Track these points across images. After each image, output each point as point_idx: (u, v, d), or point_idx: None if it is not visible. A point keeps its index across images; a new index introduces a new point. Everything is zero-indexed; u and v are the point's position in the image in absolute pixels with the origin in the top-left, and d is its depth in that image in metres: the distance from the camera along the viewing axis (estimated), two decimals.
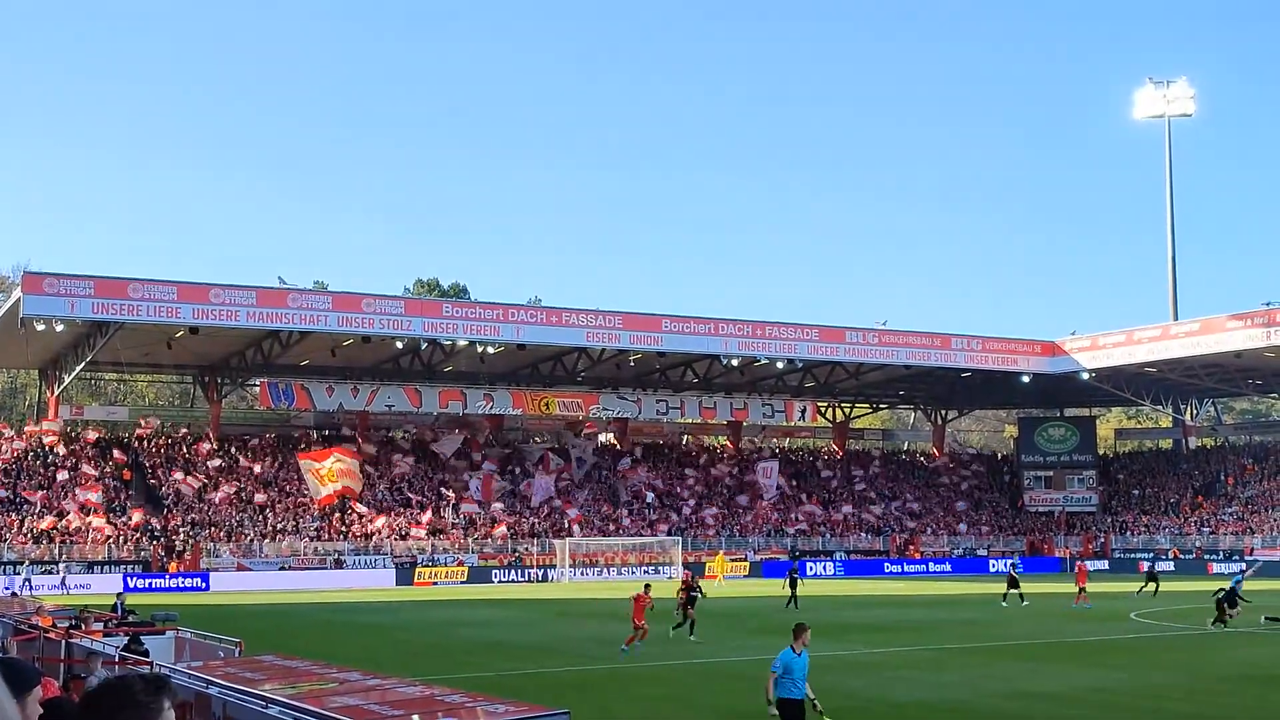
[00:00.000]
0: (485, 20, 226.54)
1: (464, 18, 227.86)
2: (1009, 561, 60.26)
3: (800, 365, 78.05)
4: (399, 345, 69.94)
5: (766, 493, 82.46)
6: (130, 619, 27.07)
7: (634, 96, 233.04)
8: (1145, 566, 60.97)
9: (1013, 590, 47.08)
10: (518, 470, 79.38)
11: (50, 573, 59.02)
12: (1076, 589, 46.89)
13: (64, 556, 61.45)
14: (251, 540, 66.07)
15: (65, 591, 54.00)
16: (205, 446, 73.09)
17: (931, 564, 77.99)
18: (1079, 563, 56.15)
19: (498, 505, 74.74)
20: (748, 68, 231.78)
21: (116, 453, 70.58)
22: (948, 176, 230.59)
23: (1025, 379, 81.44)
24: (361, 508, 70.65)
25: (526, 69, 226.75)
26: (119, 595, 32.25)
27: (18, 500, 64.60)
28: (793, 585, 45.86)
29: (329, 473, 69.02)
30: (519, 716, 11.09)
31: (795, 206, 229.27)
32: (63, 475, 66.97)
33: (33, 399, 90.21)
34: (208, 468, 71.13)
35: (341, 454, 70.79)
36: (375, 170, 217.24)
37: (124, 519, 64.79)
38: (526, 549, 71.21)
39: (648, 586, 33.87)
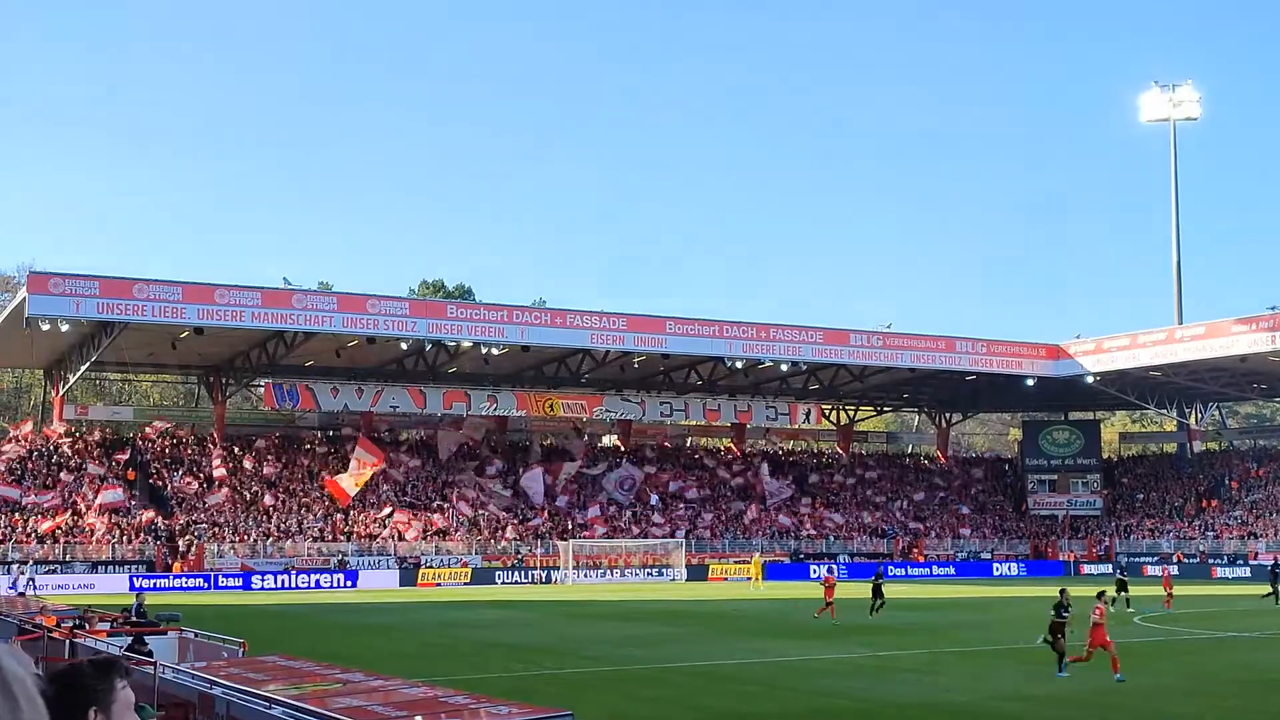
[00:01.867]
0: (490, 20, 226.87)
1: (469, 17, 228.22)
2: (1117, 567, 56.39)
3: (804, 368, 78.03)
4: (404, 346, 69.99)
5: (768, 497, 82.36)
6: (142, 620, 27.02)
7: (640, 98, 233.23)
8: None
9: (1121, 594, 45.78)
10: (521, 471, 79.38)
11: (53, 572, 59.11)
12: (1166, 593, 45.88)
13: (23, 558, 61.59)
14: (255, 541, 66.15)
15: (36, 592, 52.41)
16: (210, 447, 73.21)
17: (935, 567, 77.94)
18: (1165, 566, 54.50)
19: (501, 508, 74.87)
20: (753, 71, 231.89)
21: (121, 453, 70.71)
22: (952, 179, 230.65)
23: (1030, 382, 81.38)
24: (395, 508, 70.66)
25: (531, 69, 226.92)
26: (138, 595, 32.09)
27: (21, 500, 64.68)
28: (877, 591, 42.79)
29: (358, 479, 69.62)
30: (523, 717, 11.12)
31: (800, 209, 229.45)
32: (67, 475, 67.09)
33: (37, 399, 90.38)
34: (212, 468, 71.23)
35: (364, 455, 70.93)
36: (380, 171, 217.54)
37: (128, 519, 64.89)
38: (530, 550, 71.27)
39: (1101, 594, 27.06)
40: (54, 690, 3.83)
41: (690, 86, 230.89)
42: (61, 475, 67.08)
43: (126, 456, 70.62)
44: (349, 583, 63.98)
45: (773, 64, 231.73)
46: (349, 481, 69.50)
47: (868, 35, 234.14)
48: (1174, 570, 55.82)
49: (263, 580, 62.80)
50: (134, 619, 26.14)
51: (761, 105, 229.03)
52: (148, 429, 75.11)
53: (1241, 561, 73.81)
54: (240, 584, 62.04)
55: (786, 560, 75.06)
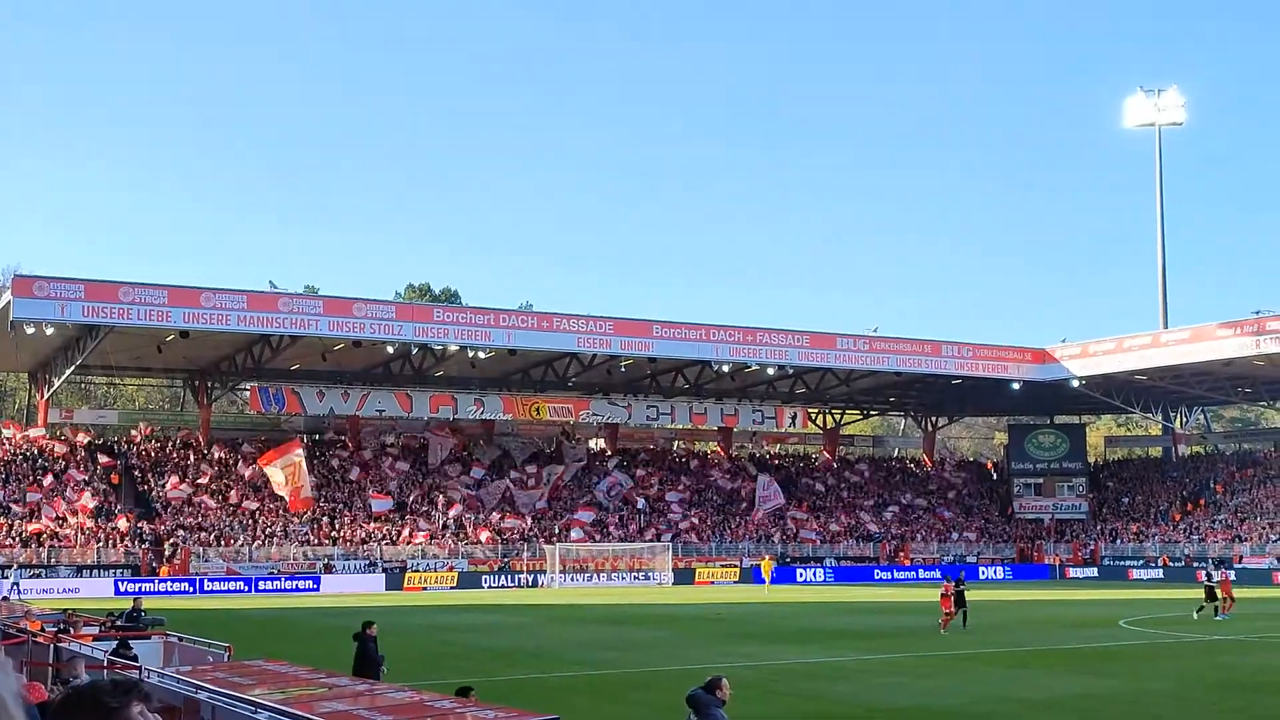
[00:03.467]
0: (475, 25, 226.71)
1: (454, 22, 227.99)
2: (1209, 571, 51.84)
3: (791, 371, 78.03)
4: (390, 350, 69.84)
5: (764, 503, 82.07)
6: (133, 624, 26.87)
7: (625, 103, 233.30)
8: None
9: (1210, 602, 43.97)
10: (508, 475, 79.22)
11: (38, 576, 58.85)
12: (1223, 597, 44.46)
13: (53, 560, 61.37)
14: (241, 545, 65.92)
15: (20, 596, 51.99)
16: (195, 451, 72.94)
17: (921, 571, 77.92)
18: (1224, 571, 52.58)
19: (488, 512, 74.76)
20: (740, 75, 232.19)
21: (105, 457, 70.44)
22: (939, 184, 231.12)
23: (1015, 386, 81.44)
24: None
25: (517, 73, 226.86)
26: (136, 599, 31.91)
27: (5, 504, 64.40)
28: (960, 599, 39.33)
29: (289, 475, 68.00)
30: None
31: (787, 212, 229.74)
32: (51, 479, 66.81)
33: (22, 402, 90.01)
34: (197, 472, 70.98)
35: (283, 452, 68.98)
36: (367, 174, 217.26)
37: (112, 523, 64.62)
38: (516, 554, 71.09)
39: None
40: (67, 706, 3.79)
41: (676, 91, 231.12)
42: (45, 479, 66.78)
43: (111, 460, 70.33)
44: (334, 587, 63.73)
45: (758, 68, 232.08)
46: (289, 486, 68.16)
47: (854, 40, 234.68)
48: (1232, 575, 53.60)
49: (248, 584, 62.61)
50: (126, 623, 26.03)
51: (748, 109, 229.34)
52: (133, 432, 74.86)
53: (1226, 565, 73.94)
54: (225, 588, 61.83)
55: (774, 564, 74.95)
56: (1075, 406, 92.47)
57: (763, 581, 66.39)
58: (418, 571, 67.24)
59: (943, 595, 39.32)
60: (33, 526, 62.62)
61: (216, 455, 73.37)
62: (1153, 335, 78.15)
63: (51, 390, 73.46)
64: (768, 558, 70.54)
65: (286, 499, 68.09)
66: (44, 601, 45.30)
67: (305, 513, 69.25)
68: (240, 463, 73.26)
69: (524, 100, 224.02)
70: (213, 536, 65.87)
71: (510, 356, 70.81)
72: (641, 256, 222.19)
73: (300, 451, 68.61)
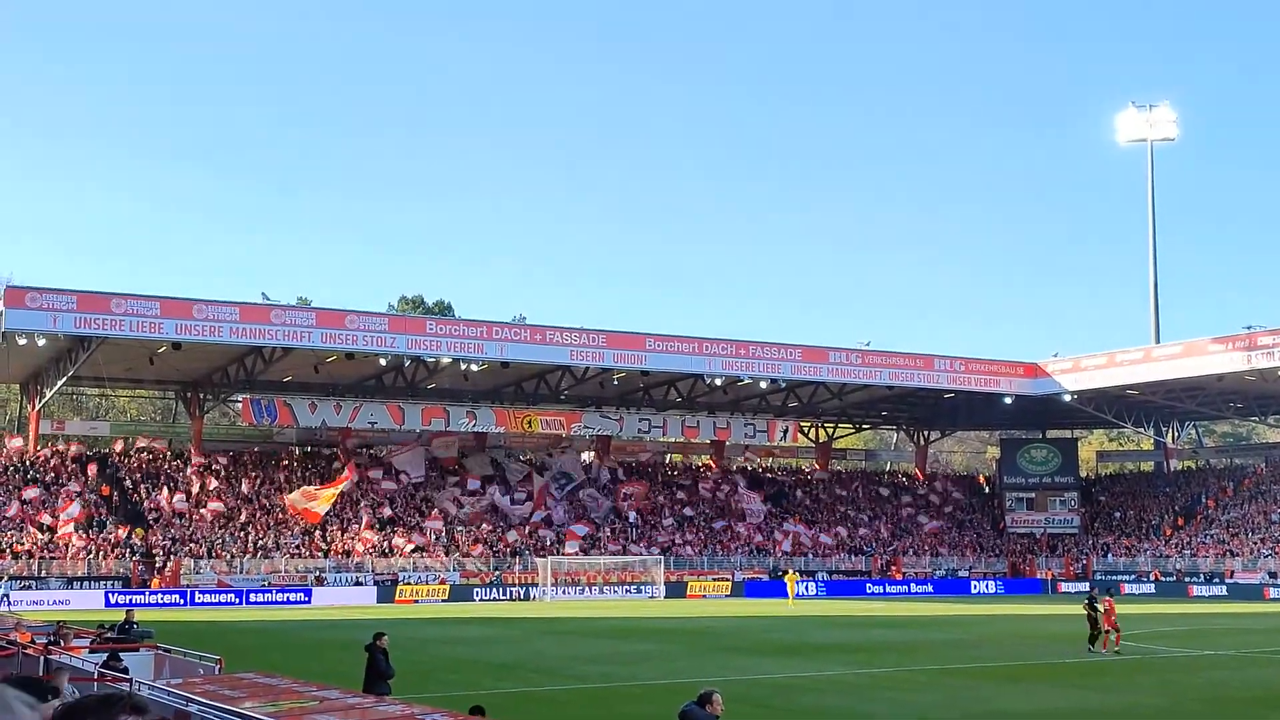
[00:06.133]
0: (470, 36, 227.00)
1: (448, 34, 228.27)
2: None
3: (783, 385, 78.06)
4: (382, 362, 69.80)
5: (751, 516, 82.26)
6: (125, 636, 26.77)
7: (619, 116, 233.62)
8: None
9: None
10: (499, 488, 79.13)
11: (29, 588, 58.69)
12: None
13: (44, 572, 61.22)
14: (232, 557, 65.77)
15: (11, 607, 52.01)
16: (187, 463, 72.81)
17: (913, 585, 77.94)
18: None
19: (480, 525, 74.69)
20: (734, 89, 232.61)
21: (97, 468, 70.26)
22: (931, 199, 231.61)
23: (1007, 400, 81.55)
24: (375, 523, 70.44)
25: (511, 85, 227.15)
26: (128, 611, 31.81)
27: None
28: (1094, 619, 36.27)
29: (326, 498, 69.01)
30: None
31: (780, 225, 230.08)
32: (42, 490, 66.64)
33: (13, 413, 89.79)
34: (189, 484, 70.84)
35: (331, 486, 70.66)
36: (359, 186, 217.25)
37: (103, 535, 64.45)
38: (508, 567, 70.98)
39: None
40: None
41: (673, 105, 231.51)
42: (37, 490, 66.61)
43: (100, 471, 70.13)
44: (326, 599, 63.58)
45: (751, 79, 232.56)
46: (315, 501, 68.77)
47: (846, 57, 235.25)
48: None
49: (239, 596, 62.48)
50: (118, 635, 25.94)
51: (741, 122, 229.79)
52: (118, 444, 74.68)
53: (1218, 580, 74.06)
54: (217, 600, 61.70)
55: (765, 577, 75.00)
56: (1067, 421, 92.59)
57: (786, 595, 66.47)
58: (409, 584, 67.11)
59: (1105, 613, 35.94)
60: (23, 538, 62.44)
61: (208, 467, 73.16)
62: (1145, 350, 78.31)
63: (43, 401, 73.32)
64: (793, 572, 70.37)
65: (304, 505, 68.38)
66: (35, 613, 45.13)
67: (304, 523, 69.21)
68: (233, 474, 73.22)
69: (518, 112, 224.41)
70: (204, 548, 65.72)
71: (503, 369, 70.78)
72: (634, 269, 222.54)
73: (350, 481, 71.75)
